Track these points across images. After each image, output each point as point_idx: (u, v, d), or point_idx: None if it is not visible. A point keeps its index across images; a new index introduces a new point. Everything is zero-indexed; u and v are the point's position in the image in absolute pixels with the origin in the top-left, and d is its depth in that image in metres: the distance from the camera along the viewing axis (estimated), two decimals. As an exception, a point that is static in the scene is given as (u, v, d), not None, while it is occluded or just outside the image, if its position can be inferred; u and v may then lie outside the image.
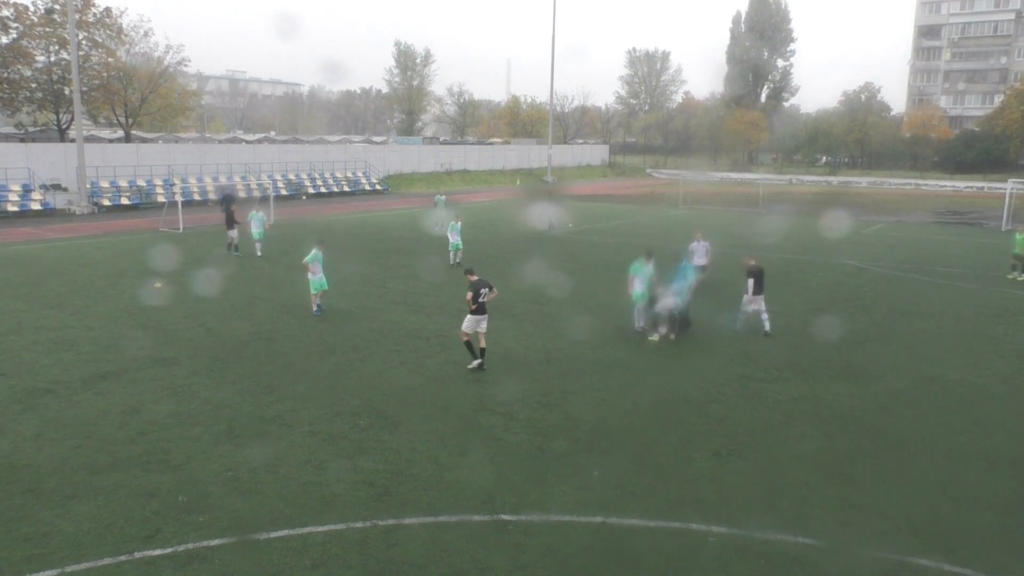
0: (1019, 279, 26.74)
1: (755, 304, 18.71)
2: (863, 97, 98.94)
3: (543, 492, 10.35)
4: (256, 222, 29.54)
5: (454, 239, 27.89)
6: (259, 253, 29.47)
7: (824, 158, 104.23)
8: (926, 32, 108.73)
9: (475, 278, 15.23)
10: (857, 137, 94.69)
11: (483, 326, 15.28)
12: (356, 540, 9.05)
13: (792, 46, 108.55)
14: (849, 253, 32.75)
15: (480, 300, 14.99)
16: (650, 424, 13.05)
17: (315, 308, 20.04)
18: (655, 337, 17.99)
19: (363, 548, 8.87)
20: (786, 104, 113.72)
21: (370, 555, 8.73)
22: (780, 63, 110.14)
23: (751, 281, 18.53)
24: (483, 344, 15.45)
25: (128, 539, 8.97)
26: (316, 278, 19.89)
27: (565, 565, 8.69)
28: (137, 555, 8.65)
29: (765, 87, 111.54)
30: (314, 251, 19.88)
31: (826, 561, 8.90)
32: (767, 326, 18.62)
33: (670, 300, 17.91)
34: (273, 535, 9.11)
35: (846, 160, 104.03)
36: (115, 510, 9.64)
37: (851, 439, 12.53)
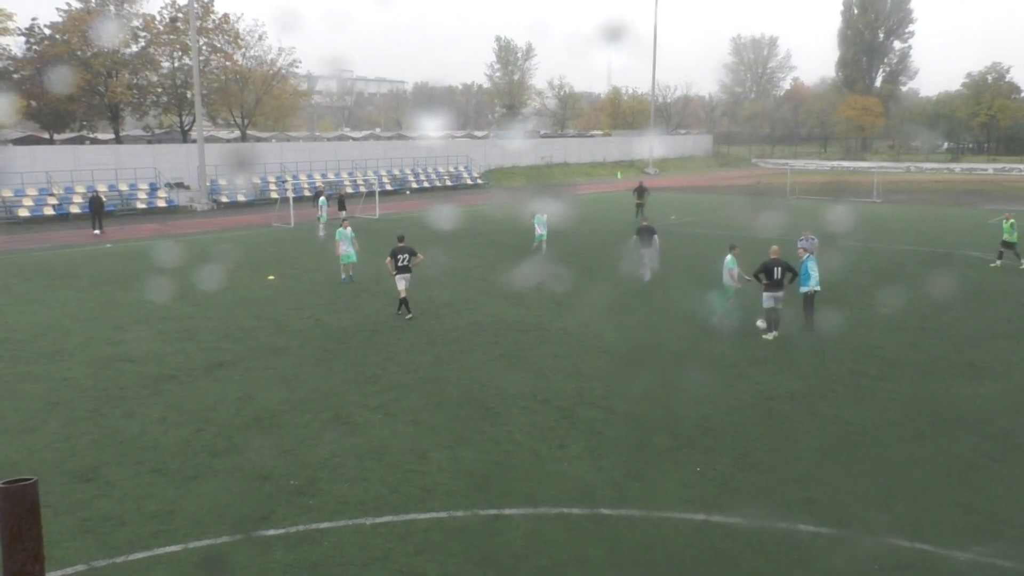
0: (995, 265, 26.13)
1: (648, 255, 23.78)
2: (990, 79, 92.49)
3: (644, 487, 10.26)
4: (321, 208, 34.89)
5: (540, 230, 29.62)
6: (321, 234, 33.40)
7: (946, 144, 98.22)
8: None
9: (402, 244, 19.13)
10: (983, 121, 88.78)
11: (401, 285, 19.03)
12: (457, 528, 9.22)
13: (911, 27, 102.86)
14: (973, 245, 30.80)
15: (401, 264, 18.79)
16: (754, 421, 12.69)
17: (343, 277, 23.68)
18: (770, 336, 17.34)
19: (464, 537, 9.03)
20: (904, 88, 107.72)
21: (471, 544, 8.88)
22: (898, 45, 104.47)
23: (635, 237, 24.01)
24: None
25: (244, 519, 9.45)
26: (342, 252, 23.37)
27: (664, 562, 8.59)
28: (253, 534, 9.11)
29: (880, 70, 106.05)
30: (339, 230, 23.75)
31: (946, 569, 8.44)
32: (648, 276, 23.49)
33: (777, 295, 17.24)
34: (378, 520, 9.39)
35: (971, 146, 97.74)
36: (232, 491, 10.18)
37: (974, 441, 11.81)
